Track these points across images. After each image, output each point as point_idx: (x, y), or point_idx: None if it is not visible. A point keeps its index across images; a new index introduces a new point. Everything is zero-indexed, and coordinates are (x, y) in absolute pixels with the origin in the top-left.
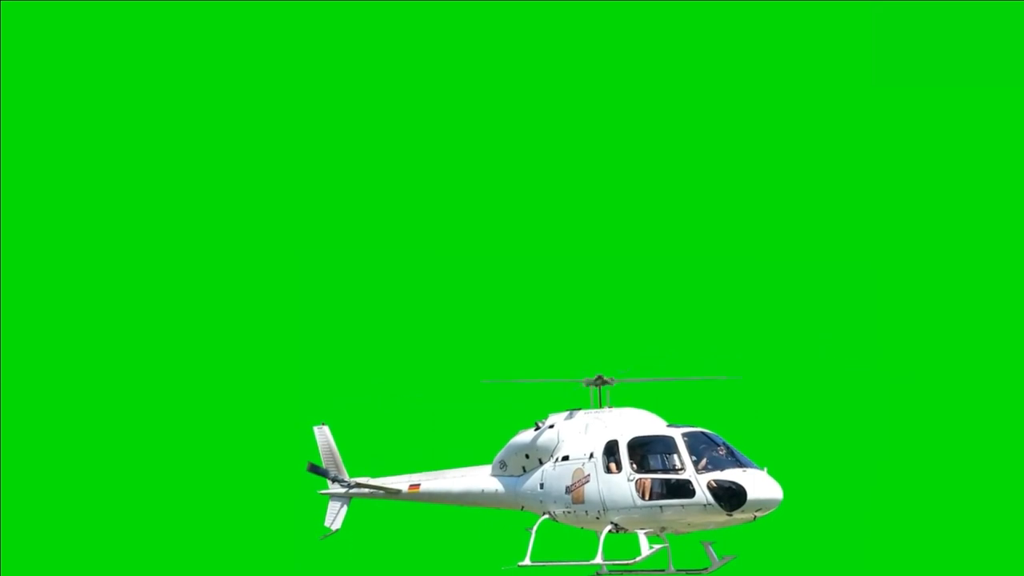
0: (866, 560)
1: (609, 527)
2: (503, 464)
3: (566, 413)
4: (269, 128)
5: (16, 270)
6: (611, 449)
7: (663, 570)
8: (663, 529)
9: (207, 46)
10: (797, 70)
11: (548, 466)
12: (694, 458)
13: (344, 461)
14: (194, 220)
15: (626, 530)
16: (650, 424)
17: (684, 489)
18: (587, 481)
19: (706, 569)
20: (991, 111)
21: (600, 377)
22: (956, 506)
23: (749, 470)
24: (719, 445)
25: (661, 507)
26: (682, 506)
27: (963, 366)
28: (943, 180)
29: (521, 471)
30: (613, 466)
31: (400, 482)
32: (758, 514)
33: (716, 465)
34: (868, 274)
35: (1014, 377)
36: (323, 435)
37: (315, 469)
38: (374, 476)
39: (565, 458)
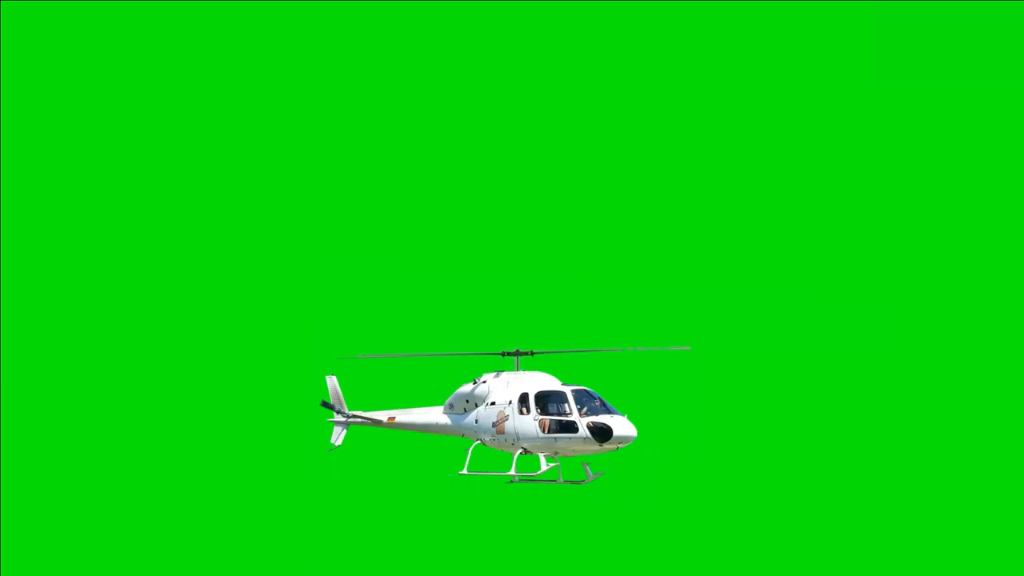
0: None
1: (520, 451)
2: (451, 406)
3: (495, 373)
4: (260, 118)
5: (22, 250)
6: (524, 399)
7: (555, 480)
8: (556, 453)
9: (207, 46)
10: (797, 70)
11: (481, 408)
12: (578, 407)
13: (345, 400)
14: (186, 192)
15: (532, 453)
16: (550, 383)
17: (571, 427)
18: (507, 419)
19: (582, 481)
20: (991, 111)
21: (517, 350)
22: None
23: (615, 416)
24: (596, 399)
25: (555, 439)
26: (569, 438)
27: (963, 367)
28: (943, 180)
29: (463, 411)
30: (524, 410)
31: (382, 415)
32: (620, 446)
33: (593, 412)
34: (867, 274)
35: (1013, 378)
36: (332, 383)
37: (326, 404)
38: (365, 410)
39: (492, 403)
